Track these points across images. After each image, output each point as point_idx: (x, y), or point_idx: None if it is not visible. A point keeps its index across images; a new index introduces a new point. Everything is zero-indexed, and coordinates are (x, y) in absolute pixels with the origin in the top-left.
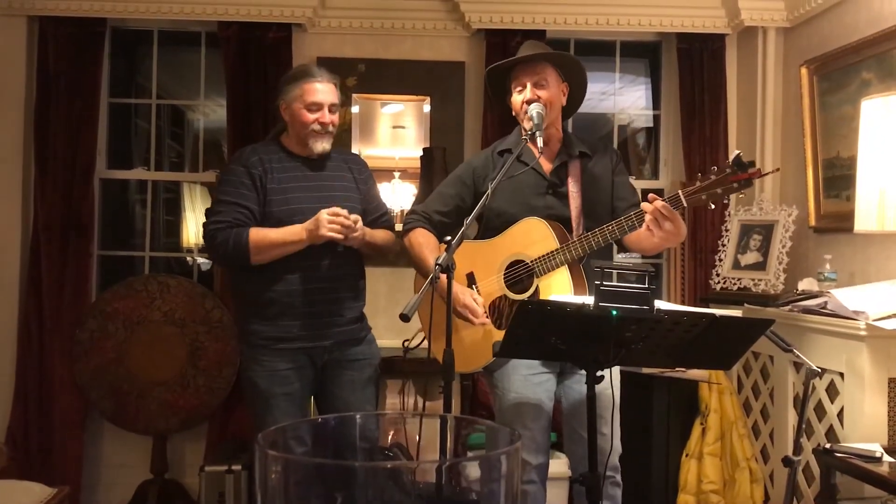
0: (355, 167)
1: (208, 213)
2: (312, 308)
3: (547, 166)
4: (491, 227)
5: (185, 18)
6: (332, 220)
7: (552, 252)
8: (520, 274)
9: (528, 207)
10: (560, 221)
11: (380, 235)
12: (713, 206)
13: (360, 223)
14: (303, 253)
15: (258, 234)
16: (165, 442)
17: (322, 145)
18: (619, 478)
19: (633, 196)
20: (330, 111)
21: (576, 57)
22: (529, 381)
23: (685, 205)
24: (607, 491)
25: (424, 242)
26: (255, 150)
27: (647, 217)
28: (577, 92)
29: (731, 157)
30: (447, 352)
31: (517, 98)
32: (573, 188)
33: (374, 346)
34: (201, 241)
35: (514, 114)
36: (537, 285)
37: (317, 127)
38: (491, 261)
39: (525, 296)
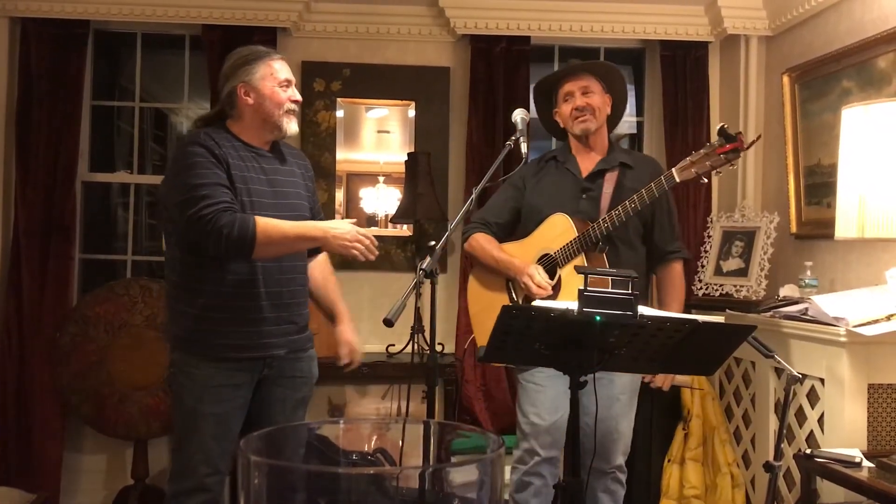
0: (301, 163)
1: (184, 203)
2: (262, 313)
3: (586, 172)
4: (526, 225)
5: (168, 21)
6: (359, 240)
7: (571, 241)
8: (546, 268)
9: (561, 208)
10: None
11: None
12: (706, 181)
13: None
14: None
15: (265, 221)
16: (146, 447)
17: (295, 126)
18: (620, 475)
19: (671, 242)
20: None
21: (617, 67)
22: (551, 374)
23: (678, 180)
24: (607, 485)
25: (486, 243)
26: (207, 133)
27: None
28: (619, 104)
29: (716, 129)
30: (432, 356)
31: (565, 108)
32: (607, 190)
33: (315, 362)
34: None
35: (562, 125)
36: (559, 275)
37: (291, 105)
38: (523, 259)
39: (550, 284)
